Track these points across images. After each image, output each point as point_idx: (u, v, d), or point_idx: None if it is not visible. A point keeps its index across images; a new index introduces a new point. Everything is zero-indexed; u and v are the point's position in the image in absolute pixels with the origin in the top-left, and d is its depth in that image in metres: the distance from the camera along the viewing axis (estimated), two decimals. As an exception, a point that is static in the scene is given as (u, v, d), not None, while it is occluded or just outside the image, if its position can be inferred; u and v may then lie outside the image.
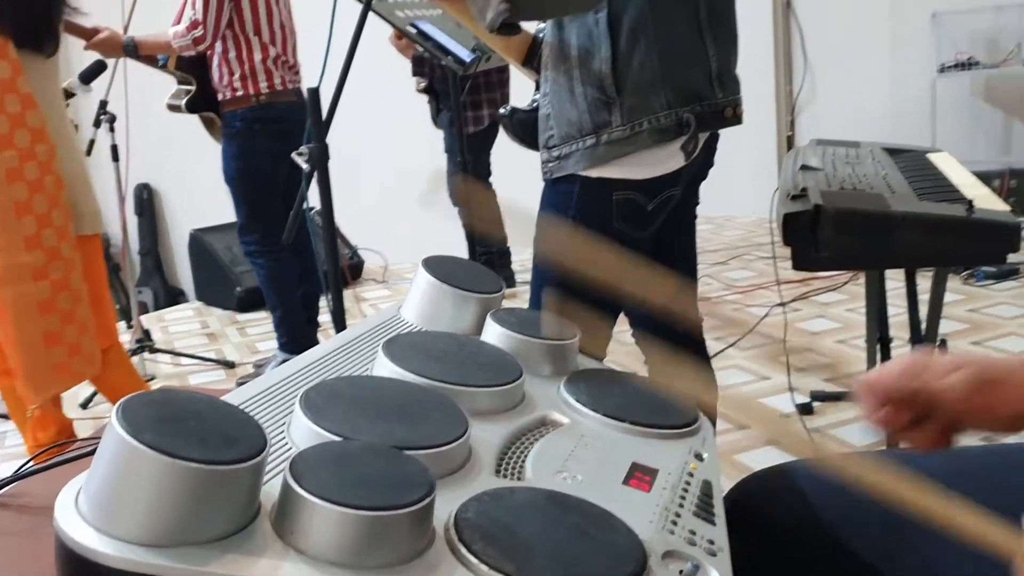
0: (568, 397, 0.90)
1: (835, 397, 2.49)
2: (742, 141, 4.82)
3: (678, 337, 1.67)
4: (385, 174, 4.99)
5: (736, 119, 1.56)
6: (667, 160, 1.45)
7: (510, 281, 3.91)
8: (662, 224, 1.53)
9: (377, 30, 2.40)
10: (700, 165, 1.60)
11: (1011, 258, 3.76)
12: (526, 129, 1.60)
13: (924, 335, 2.10)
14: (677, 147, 1.44)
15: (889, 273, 2.43)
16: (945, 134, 4.43)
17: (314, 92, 1.96)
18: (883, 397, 0.74)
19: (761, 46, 4.90)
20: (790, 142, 4.97)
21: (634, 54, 1.41)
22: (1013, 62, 4.37)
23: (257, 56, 2.94)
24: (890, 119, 4.62)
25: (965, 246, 1.64)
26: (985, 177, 4.35)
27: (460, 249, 3.10)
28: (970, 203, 1.65)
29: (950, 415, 0.73)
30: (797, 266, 1.73)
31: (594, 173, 1.44)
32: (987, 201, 1.73)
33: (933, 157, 2.26)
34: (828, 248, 1.64)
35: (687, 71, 1.45)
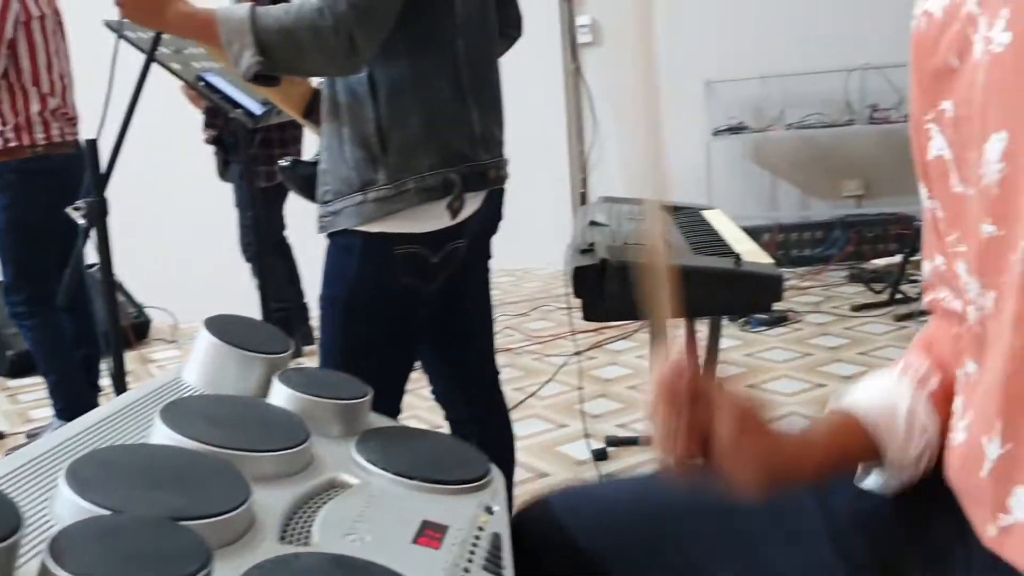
0: (358, 457, 0.89)
1: (628, 442, 2.60)
2: (540, 197, 5.03)
3: (475, 390, 1.69)
4: (174, 228, 4.79)
5: (499, 181, 1.61)
6: (435, 218, 1.48)
7: (307, 338, 3.83)
8: (451, 277, 1.56)
9: (168, 78, 2.32)
10: (489, 218, 1.65)
11: (781, 306, 4.06)
12: (307, 182, 1.60)
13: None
14: (443, 207, 1.47)
15: (673, 322, 2.57)
16: (721, 192, 4.78)
17: (92, 144, 1.86)
18: (678, 392, 0.77)
19: (554, 108, 5.12)
20: (583, 198, 5.20)
21: (398, 115, 1.43)
22: (778, 127, 4.80)
23: (34, 107, 2.77)
24: (672, 178, 4.92)
25: (735, 296, 1.77)
26: (756, 231, 4.75)
27: (254, 305, 3.01)
28: (738, 257, 1.78)
29: (711, 435, 0.76)
30: (587, 317, 1.81)
31: (374, 228, 1.46)
32: (754, 255, 1.87)
33: (707, 214, 2.43)
34: (614, 299, 1.73)
35: (451, 133, 1.48)
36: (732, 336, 3.65)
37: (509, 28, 1.85)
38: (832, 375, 3.12)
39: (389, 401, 1.48)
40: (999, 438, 0.70)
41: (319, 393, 0.95)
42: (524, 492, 2.40)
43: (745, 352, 3.47)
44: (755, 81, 4.80)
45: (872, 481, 0.84)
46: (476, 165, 1.52)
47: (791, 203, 5.02)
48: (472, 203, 1.53)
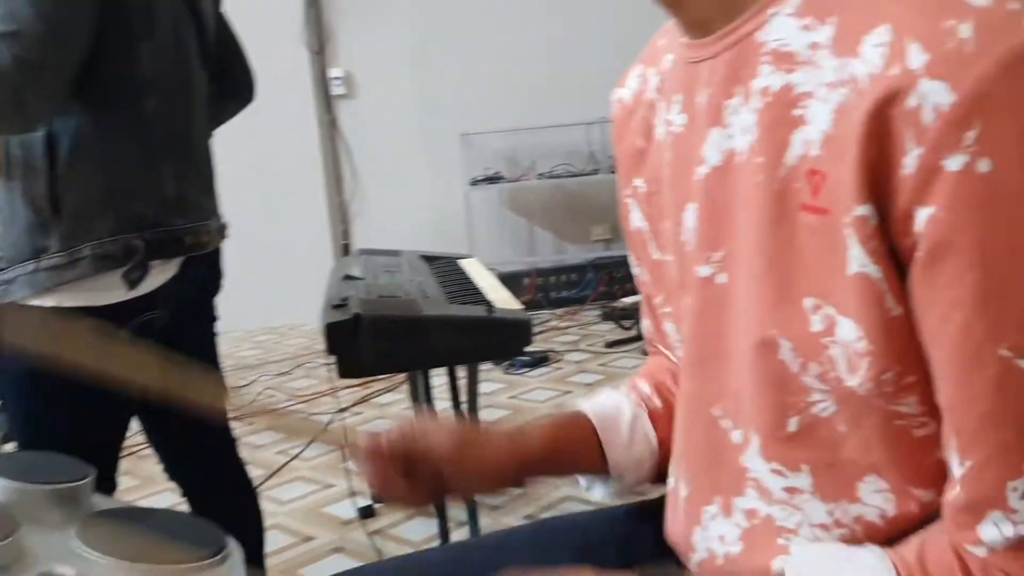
0: (78, 545, 0.81)
1: (395, 496, 2.56)
2: (300, 251, 4.94)
3: (210, 463, 1.62)
4: None
5: (200, 246, 1.53)
6: (115, 288, 1.38)
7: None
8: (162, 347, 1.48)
9: None
10: (203, 282, 1.60)
11: (542, 346, 4.18)
12: None
13: (467, 427, 2.25)
14: (118, 276, 1.38)
15: (437, 370, 2.59)
16: (481, 240, 4.90)
17: None
18: (381, 457, 0.79)
19: (310, 161, 5.06)
20: (346, 249, 5.15)
21: (76, 176, 1.34)
22: (530, 176, 5.00)
23: None
24: (432, 227, 5.00)
25: (488, 342, 1.80)
26: (516, 276, 4.90)
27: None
28: (490, 304, 1.83)
29: (438, 473, 0.79)
30: (342, 374, 1.78)
31: (48, 300, 1.34)
32: (506, 302, 1.92)
33: (463, 263, 2.48)
34: (369, 354, 1.71)
35: (136, 196, 1.40)
36: (496, 380, 3.72)
37: (240, 90, 1.81)
38: (591, 412, 3.25)
39: (101, 481, 1.37)
40: (684, 478, 0.76)
41: (30, 479, 0.86)
42: (287, 558, 2.31)
43: (509, 395, 3.54)
44: (508, 133, 4.98)
45: (599, 492, 0.89)
46: (168, 230, 1.44)
47: (547, 248, 5.23)
48: (163, 271, 1.44)
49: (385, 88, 5.03)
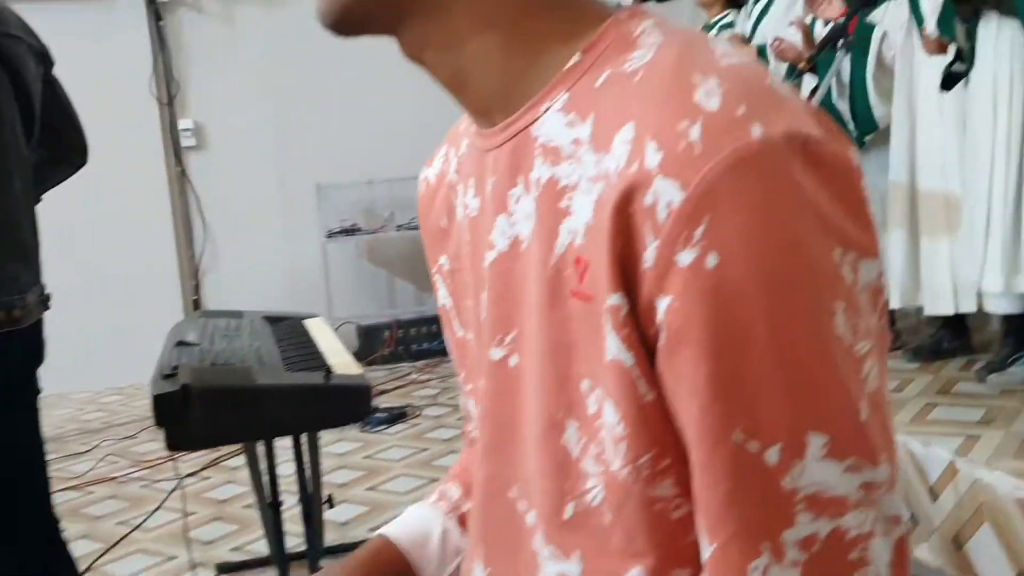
0: None
1: (239, 567, 2.47)
2: (149, 307, 4.73)
3: (30, 547, 1.53)
4: None
5: (12, 322, 1.51)
6: None
7: None
8: None
9: None
10: (22, 355, 1.53)
11: (400, 401, 4.14)
12: None
13: (312, 493, 2.20)
14: None
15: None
16: (339, 292, 4.84)
17: None
18: None
19: (160, 213, 4.90)
20: (197, 305, 4.99)
21: None
22: (388, 228, 4.98)
23: None
24: (288, 281, 4.91)
25: (325, 410, 1.77)
26: (376, 329, 4.85)
27: None
28: (329, 370, 1.80)
29: None
30: (171, 446, 1.71)
31: None
32: (346, 366, 1.89)
33: (308, 323, 2.43)
34: (199, 426, 1.65)
35: None
36: (351, 439, 3.66)
37: (71, 155, 1.77)
38: (446, 468, 3.23)
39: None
40: (482, 562, 0.76)
41: None
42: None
43: (364, 454, 3.49)
44: (364, 185, 4.96)
45: None
46: None
47: (407, 299, 5.20)
48: None
49: (238, 139, 4.93)
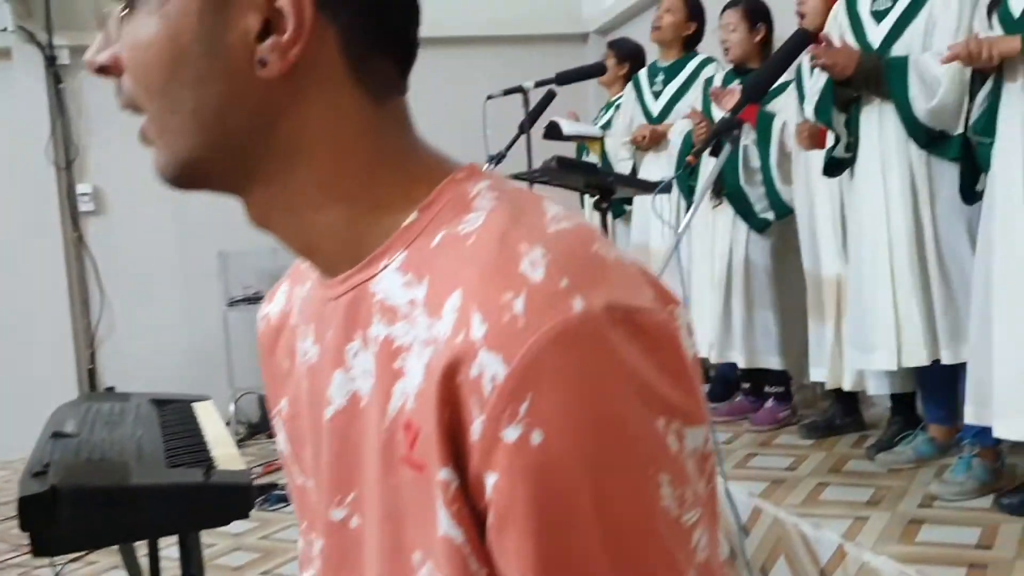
0: None
1: (118, 667, 2.34)
2: (41, 378, 4.54)
3: None
4: None
5: None
6: None
7: None
8: None
9: None
10: None
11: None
12: None
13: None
14: None
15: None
16: (240, 362, 4.72)
17: None
18: None
19: (55, 280, 4.73)
20: (92, 375, 4.81)
21: None
22: (293, 296, 4.91)
23: None
24: (188, 350, 4.78)
25: (203, 510, 1.70)
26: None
27: None
28: (210, 466, 1.73)
29: None
30: (37, 552, 1.62)
31: None
32: (229, 460, 1.83)
33: (197, 407, 2.36)
34: (67, 530, 1.57)
35: None
36: (248, 518, 3.53)
37: None
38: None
39: None
40: None
41: None
42: None
43: (261, 535, 3.37)
44: (268, 251, 4.88)
45: None
46: None
47: (313, 369, 5.11)
48: None
49: (138, 204, 4.82)
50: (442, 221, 0.61)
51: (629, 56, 4.18)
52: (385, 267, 0.62)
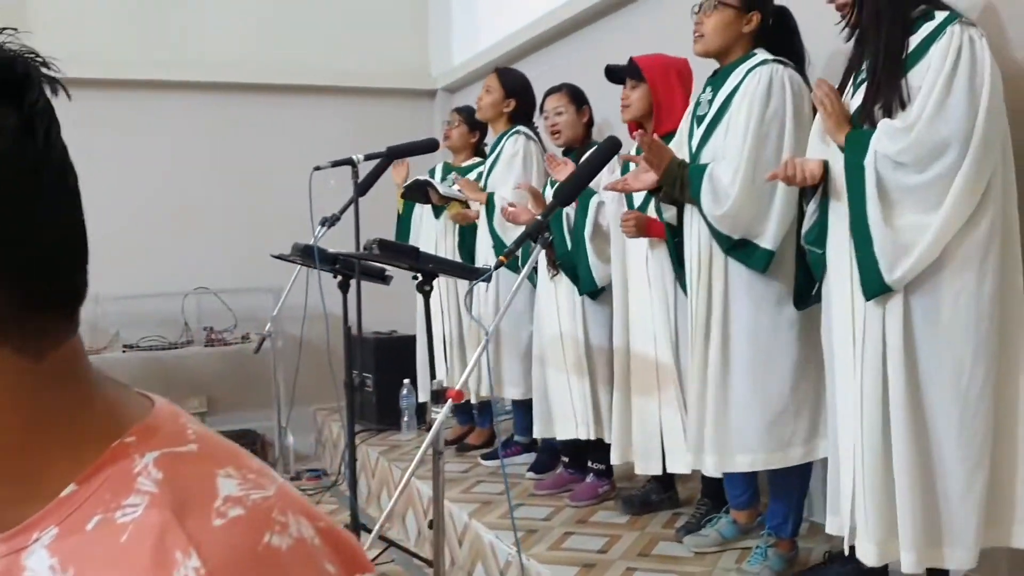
0: None
1: None
2: None
3: None
4: None
5: None
6: None
7: None
8: None
9: None
10: None
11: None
12: None
13: None
14: None
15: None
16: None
17: None
18: None
19: None
20: None
21: None
22: (115, 348, 4.67)
23: None
24: None
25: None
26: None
27: None
28: None
29: None
30: None
31: None
32: None
33: None
34: None
35: None
36: None
37: None
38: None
39: None
40: None
41: None
42: None
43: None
44: (90, 301, 4.63)
45: None
46: None
47: (133, 423, 4.87)
48: None
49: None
50: (99, 501, 0.57)
51: (479, 124, 4.18)
52: (37, 540, 0.58)
